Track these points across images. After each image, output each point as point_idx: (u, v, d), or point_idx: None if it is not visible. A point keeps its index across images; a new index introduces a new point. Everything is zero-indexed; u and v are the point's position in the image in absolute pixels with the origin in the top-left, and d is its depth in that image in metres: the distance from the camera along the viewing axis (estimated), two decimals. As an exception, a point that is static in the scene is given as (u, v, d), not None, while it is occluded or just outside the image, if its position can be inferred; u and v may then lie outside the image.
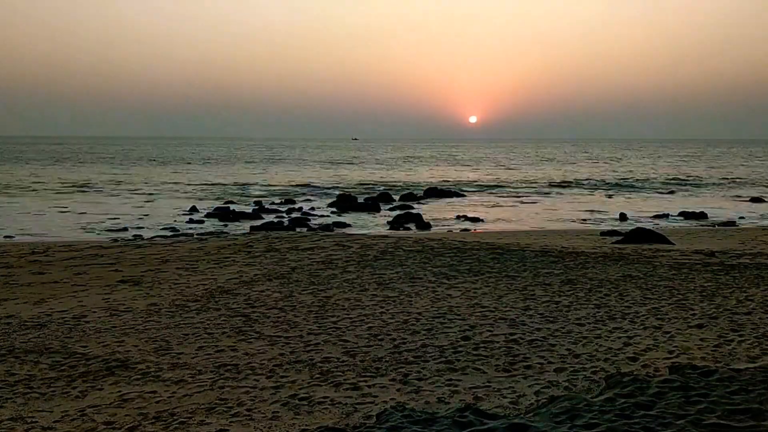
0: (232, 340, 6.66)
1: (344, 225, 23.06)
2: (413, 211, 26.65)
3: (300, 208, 28.50)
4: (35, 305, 8.27)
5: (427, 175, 53.30)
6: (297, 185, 41.27)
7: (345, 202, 28.87)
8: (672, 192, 39.01)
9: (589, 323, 7.23)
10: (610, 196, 35.92)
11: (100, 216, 24.77)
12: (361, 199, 30.37)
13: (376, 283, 9.28)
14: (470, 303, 8.16)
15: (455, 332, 6.87)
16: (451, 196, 35.17)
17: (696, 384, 3.99)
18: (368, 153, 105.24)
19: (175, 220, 23.88)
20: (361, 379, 5.52)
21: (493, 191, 39.00)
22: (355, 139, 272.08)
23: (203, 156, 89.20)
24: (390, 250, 12.06)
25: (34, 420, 4.74)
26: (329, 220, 24.12)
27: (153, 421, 4.70)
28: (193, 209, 27.06)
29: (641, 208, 29.22)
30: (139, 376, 5.62)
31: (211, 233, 19.41)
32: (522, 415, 4.03)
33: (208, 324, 7.27)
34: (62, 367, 5.87)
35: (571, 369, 5.72)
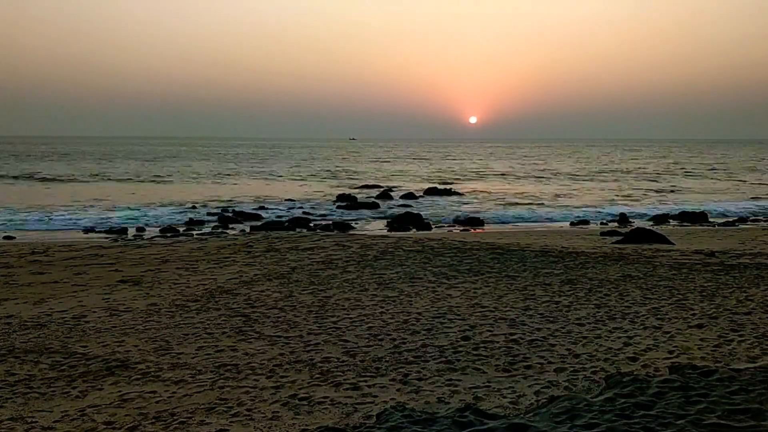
0: (232, 340, 6.66)
1: (344, 225, 23.06)
2: (413, 211, 26.66)
3: (300, 208, 28.52)
4: (35, 305, 8.28)
5: (426, 175, 53.29)
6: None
7: (345, 202, 28.87)
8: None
9: (589, 323, 7.23)
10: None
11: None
12: (361, 199, 30.38)
13: (376, 283, 9.28)
14: (470, 303, 8.16)
15: (455, 332, 6.87)
16: (451, 195, 35.18)
17: (696, 384, 3.99)
18: (366, 153, 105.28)
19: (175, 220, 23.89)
20: (361, 379, 5.52)
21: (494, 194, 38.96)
22: (353, 138, 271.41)
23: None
24: (390, 250, 12.06)
25: (34, 420, 4.74)
26: (329, 221, 24.13)
27: (153, 421, 4.70)
28: (193, 209, 27.06)
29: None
30: (139, 376, 5.62)
31: (211, 233, 19.41)
32: (522, 415, 4.03)
33: (208, 324, 7.27)
34: (62, 367, 5.87)
35: (571, 369, 5.72)
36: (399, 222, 23.21)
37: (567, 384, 5.35)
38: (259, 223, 22.61)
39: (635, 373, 5.07)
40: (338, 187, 40.04)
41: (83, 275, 10.32)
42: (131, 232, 20.40)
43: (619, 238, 16.65)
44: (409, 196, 33.70)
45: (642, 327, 7.06)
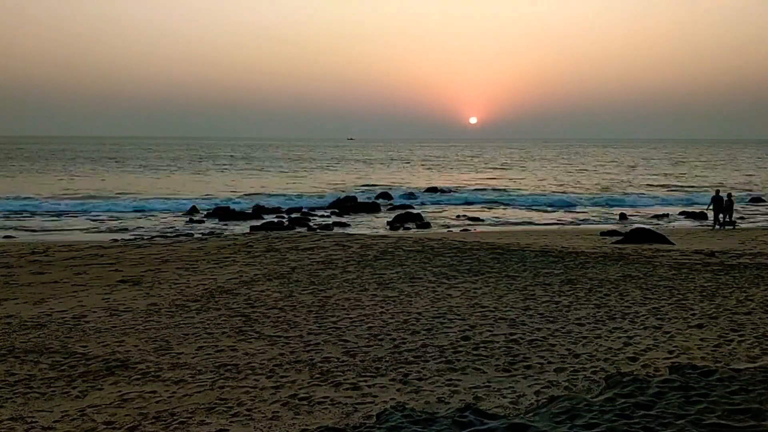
0: (232, 340, 6.65)
1: (344, 225, 23.06)
2: (413, 210, 26.66)
3: (300, 208, 28.51)
4: (35, 305, 8.27)
5: (426, 174, 53.26)
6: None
7: (345, 202, 28.87)
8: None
9: (589, 323, 7.23)
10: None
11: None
12: (361, 199, 30.38)
13: (376, 283, 9.28)
14: (470, 303, 8.16)
15: (455, 332, 6.87)
16: (450, 194, 35.19)
17: (696, 384, 3.98)
18: (365, 153, 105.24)
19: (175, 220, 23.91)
20: (361, 379, 5.52)
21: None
22: (351, 139, 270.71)
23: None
24: (390, 250, 12.05)
25: (34, 420, 4.74)
26: (329, 220, 24.13)
27: (153, 421, 4.70)
28: (193, 209, 27.04)
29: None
30: (139, 376, 5.61)
31: (211, 233, 19.40)
32: (522, 415, 4.03)
33: (208, 324, 7.27)
34: (62, 367, 5.87)
35: (571, 369, 5.72)
36: (399, 221, 23.24)
37: (567, 384, 5.35)
38: (259, 223, 22.62)
39: (635, 373, 5.07)
40: (338, 187, 40.07)
41: (83, 275, 10.32)
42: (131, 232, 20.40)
43: (619, 238, 16.67)
44: (409, 195, 33.73)
45: (642, 327, 7.06)
